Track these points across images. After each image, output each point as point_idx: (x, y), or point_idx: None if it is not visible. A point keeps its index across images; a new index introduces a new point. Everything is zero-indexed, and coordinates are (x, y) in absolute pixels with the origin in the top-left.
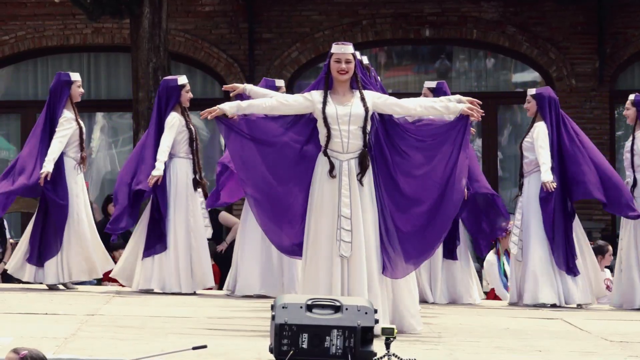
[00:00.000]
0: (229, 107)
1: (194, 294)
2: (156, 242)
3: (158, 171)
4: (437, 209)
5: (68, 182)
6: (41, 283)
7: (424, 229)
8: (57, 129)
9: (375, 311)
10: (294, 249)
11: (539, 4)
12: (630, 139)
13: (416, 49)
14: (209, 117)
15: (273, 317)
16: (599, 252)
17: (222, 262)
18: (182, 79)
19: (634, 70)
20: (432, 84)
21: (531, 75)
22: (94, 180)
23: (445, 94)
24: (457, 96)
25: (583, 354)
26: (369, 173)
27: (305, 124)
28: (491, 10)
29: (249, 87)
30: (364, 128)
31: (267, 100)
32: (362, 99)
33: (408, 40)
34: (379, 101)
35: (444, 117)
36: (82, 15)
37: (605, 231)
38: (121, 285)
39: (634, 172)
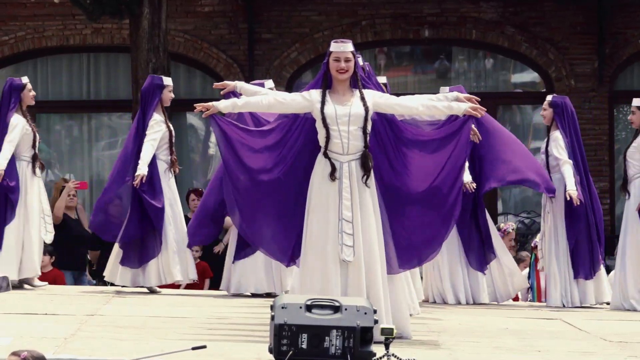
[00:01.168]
0: (224, 106)
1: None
2: (246, 244)
3: None
4: (442, 209)
5: (162, 185)
6: (142, 287)
7: (429, 228)
8: (147, 132)
9: (375, 311)
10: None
11: (538, 4)
12: (545, 140)
13: (415, 49)
14: (203, 115)
15: (272, 317)
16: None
17: (218, 263)
18: (269, 83)
19: (633, 70)
20: (383, 79)
21: (530, 75)
22: (94, 180)
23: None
24: (455, 93)
25: (582, 354)
26: (372, 174)
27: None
28: (490, 10)
29: (239, 85)
30: (364, 128)
31: (264, 98)
32: (362, 98)
33: (407, 40)
34: (380, 100)
35: (445, 117)
36: (82, 16)
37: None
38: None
39: (549, 173)
